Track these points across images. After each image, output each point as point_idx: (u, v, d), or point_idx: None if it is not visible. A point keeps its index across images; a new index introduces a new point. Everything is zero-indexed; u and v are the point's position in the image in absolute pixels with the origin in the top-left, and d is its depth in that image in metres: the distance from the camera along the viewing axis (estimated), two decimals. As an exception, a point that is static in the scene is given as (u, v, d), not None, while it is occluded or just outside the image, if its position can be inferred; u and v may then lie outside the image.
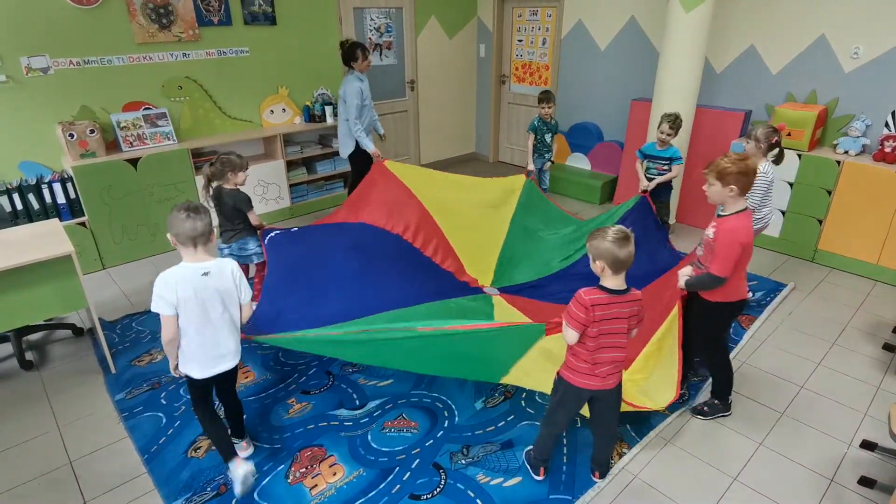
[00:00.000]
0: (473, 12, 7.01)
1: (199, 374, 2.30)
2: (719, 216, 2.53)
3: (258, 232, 3.55)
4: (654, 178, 4.18)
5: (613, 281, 2.09)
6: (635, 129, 5.42)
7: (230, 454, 2.40)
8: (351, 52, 4.60)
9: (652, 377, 2.79)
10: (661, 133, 4.08)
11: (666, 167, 4.17)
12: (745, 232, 2.42)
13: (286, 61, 5.50)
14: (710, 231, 2.53)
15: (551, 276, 3.95)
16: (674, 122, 4.06)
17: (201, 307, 2.20)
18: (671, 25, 4.45)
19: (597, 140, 6.29)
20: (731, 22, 4.90)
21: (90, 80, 4.43)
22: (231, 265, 2.30)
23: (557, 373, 2.32)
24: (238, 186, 3.37)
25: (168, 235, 2.20)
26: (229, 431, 2.54)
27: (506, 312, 3.44)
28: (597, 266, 2.09)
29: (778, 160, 3.56)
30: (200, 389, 2.38)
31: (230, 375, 2.44)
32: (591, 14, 5.96)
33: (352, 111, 4.58)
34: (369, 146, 4.67)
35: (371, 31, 6.11)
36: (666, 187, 4.27)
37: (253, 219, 3.47)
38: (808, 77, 4.62)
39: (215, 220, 2.72)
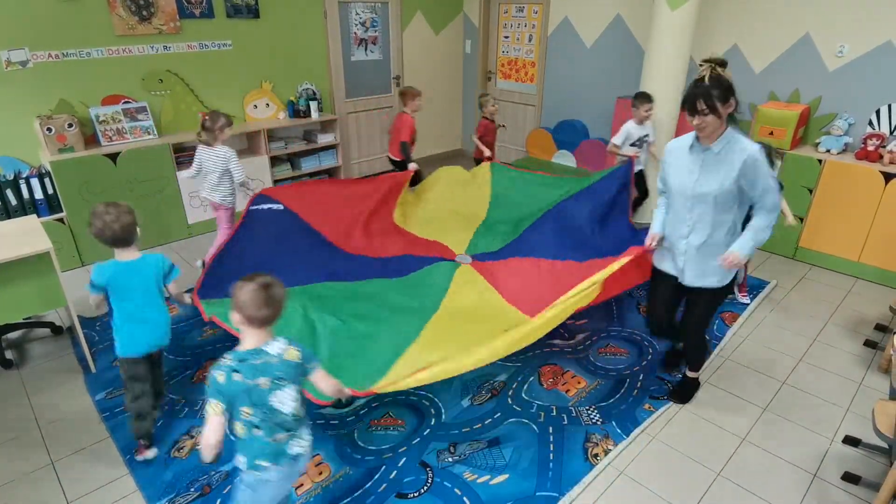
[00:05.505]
0: (459, 8, 6.98)
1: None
2: None
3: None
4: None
5: None
6: (621, 126, 5.42)
7: None
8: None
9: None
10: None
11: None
12: None
13: (270, 55, 5.43)
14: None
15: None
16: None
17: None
18: (657, 23, 4.47)
19: (582, 137, 6.29)
20: (716, 21, 4.93)
21: (69, 74, 4.33)
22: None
23: None
24: None
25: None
26: None
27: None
28: None
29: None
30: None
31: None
32: (578, 11, 5.96)
33: None
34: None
35: (356, 25, 6.06)
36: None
37: None
38: (791, 76, 4.66)
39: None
